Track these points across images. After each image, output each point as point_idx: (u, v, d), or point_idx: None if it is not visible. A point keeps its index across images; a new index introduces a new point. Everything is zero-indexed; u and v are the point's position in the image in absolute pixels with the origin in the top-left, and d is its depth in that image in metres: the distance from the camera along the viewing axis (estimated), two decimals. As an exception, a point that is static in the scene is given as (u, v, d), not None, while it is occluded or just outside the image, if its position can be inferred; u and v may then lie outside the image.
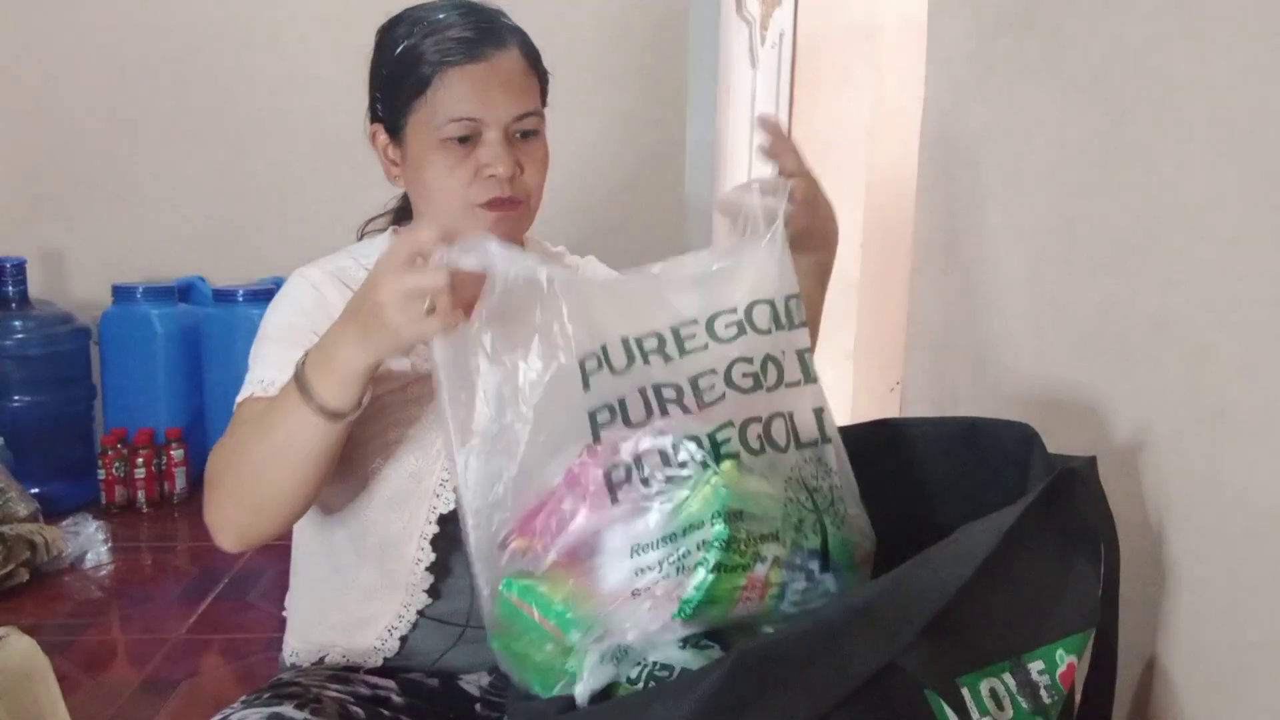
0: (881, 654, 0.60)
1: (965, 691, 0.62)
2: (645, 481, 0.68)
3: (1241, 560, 0.71)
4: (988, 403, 1.20)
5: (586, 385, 0.70)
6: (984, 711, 0.62)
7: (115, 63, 3.74)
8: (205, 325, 3.30)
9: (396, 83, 0.97)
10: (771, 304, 0.76)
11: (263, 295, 3.20)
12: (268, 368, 0.97)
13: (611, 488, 0.69)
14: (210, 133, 3.81)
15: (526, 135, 0.99)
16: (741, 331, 0.74)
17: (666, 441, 0.69)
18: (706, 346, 0.74)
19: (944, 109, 1.39)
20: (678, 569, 0.67)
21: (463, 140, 0.95)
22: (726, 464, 0.69)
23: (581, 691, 0.68)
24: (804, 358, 0.77)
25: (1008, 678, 0.65)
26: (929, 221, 1.45)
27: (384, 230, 1.12)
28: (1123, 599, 0.88)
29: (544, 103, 1.03)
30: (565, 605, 0.69)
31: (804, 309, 0.78)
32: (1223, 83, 0.74)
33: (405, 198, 1.12)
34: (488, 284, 0.75)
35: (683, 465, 0.68)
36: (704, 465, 0.68)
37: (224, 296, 3.29)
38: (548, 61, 1.02)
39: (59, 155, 3.77)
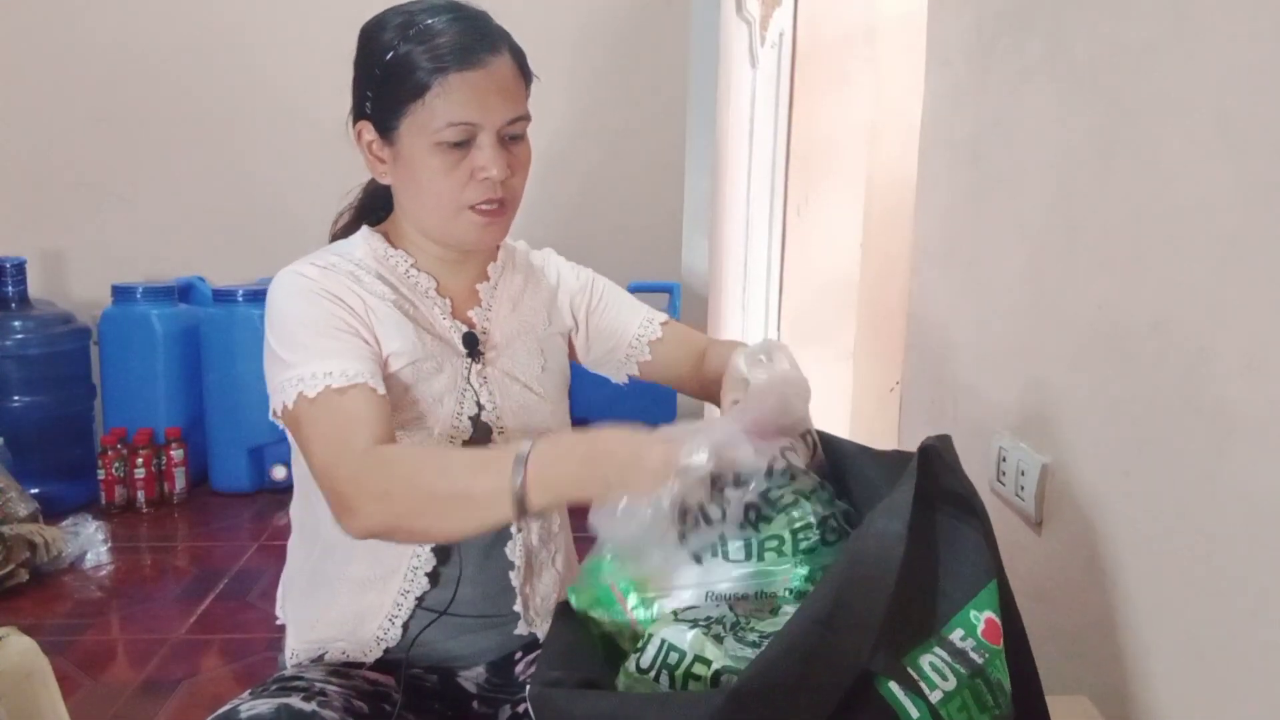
0: (853, 661, 0.63)
1: (912, 671, 0.66)
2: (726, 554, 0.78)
3: (1241, 560, 0.71)
4: (987, 403, 1.20)
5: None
6: (933, 685, 0.65)
7: (115, 64, 3.74)
8: (205, 325, 3.30)
9: (390, 85, 0.98)
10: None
11: (263, 295, 3.18)
12: (327, 359, 0.95)
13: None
14: (210, 133, 3.81)
15: (515, 138, 1.01)
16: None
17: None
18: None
19: (944, 109, 1.39)
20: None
21: (457, 144, 0.97)
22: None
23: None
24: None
25: (939, 651, 0.68)
26: (929, 221, 1.45)
27: (352, 226, 1.13)
28: (1124, 600, 0.88)
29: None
30: (644, 602, 0.78)
31: None
32: (1222, 83, 0.74)
33: (368, 191, 1.14)
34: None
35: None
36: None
37: (224, 296, 3.29)
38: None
39: (59, 156, 3.78)
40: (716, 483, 0.77)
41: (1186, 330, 0.78)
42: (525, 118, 1.01)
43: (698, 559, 0.78)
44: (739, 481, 0.78)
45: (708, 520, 0.77)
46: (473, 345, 1.05)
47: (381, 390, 0.95)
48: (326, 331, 0.97)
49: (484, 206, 1.00)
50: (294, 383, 0.94)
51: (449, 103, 0.95)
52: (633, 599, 0.78)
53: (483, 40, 0.97)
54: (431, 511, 0.87)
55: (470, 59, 0.96)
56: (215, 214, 3.85)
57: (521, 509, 0.81)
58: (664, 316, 1.23)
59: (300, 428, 0.94)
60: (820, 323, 2.36)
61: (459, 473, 0.86)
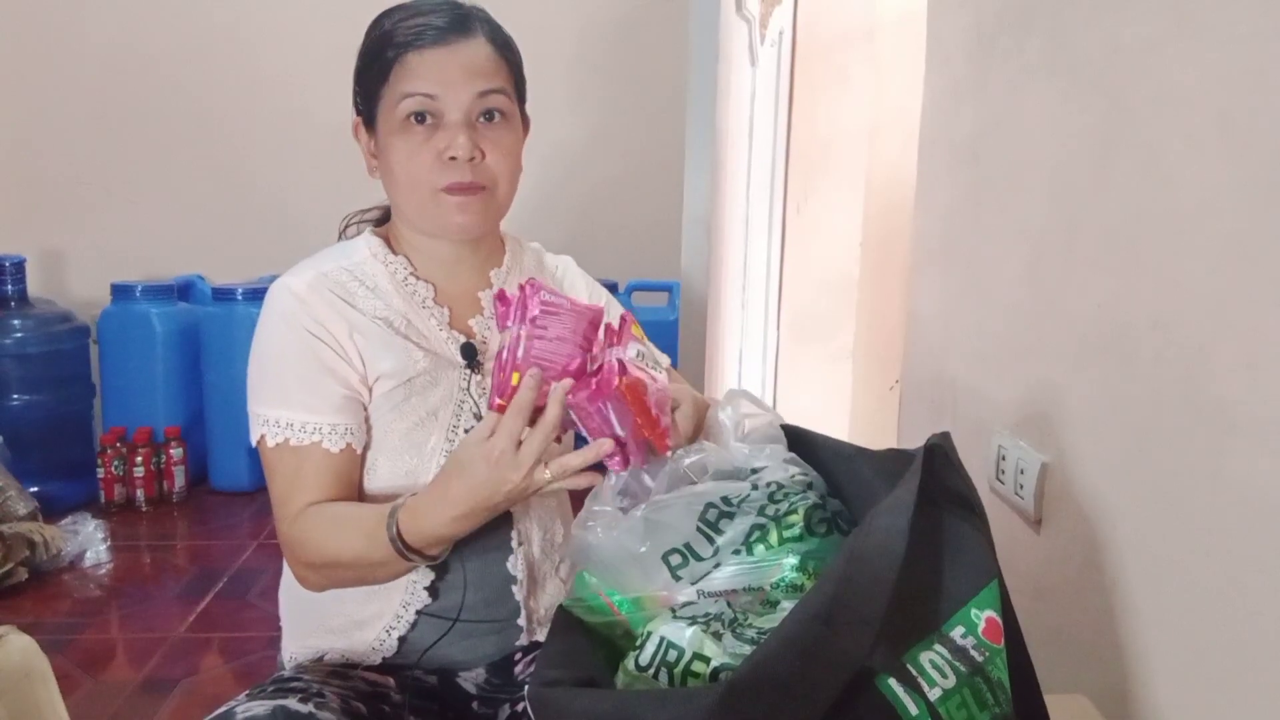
0: (852, 659, 0.62)
1: (911, 668, 0.65)
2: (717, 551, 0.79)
3: (1242, 560, 0.71)
4: (987, 401, 1.20)
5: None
6: (932, 683, 0.65)
7: (115, 64, 3.74)
8: (204, 324, 3.30)
9: (367, 72, 0.99)
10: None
11: (262, 294, 3.18)
12: (294, 408, 0.97)
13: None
14: (210, 133, 3.81)
15: (491, 118, 0.99)
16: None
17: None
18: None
19: (944, 109, 1.39)
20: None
21: (421, 120, 0.96)
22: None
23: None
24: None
25: (940, 648, 0.68)
26: (929, 221, 1.45)
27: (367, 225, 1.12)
28: (1123, 599, 0.88)
29: (520, 97, 1.03)
30: (635, 604, 0.78)
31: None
32: (1222, 83, 0.74)
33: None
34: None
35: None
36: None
37: (223, 295, 3.29)
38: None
39: (59, 155, 3.77)
40: (707, 513, 0.79)
41: (1186, 330, 0.78)
42: (498, 91, 0.99)
43: (693, 581, 0.78)
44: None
45: (697, 557, 0.78)
46: (471, 356, 1.03)
47: (341, 445, 0.98)
48: (300, 374, 0.98)
49: (456, 187, 0.98)
50: (260, 422, 0.99)
51: (406, 77, 0.96)
52: (619, 599, 0.78)
53: (455, 24, 0.97)
54: (351, 576, 0.97)
55: (436, 39, 0.96)
56: (215, 213, 3.84)
57: (421, 560, 0.91)
58: (666, 360, 1.17)
59: (264, 465, 1.01)
60: (820, 322, 2.36)
61: (354, 540, 0.94)
